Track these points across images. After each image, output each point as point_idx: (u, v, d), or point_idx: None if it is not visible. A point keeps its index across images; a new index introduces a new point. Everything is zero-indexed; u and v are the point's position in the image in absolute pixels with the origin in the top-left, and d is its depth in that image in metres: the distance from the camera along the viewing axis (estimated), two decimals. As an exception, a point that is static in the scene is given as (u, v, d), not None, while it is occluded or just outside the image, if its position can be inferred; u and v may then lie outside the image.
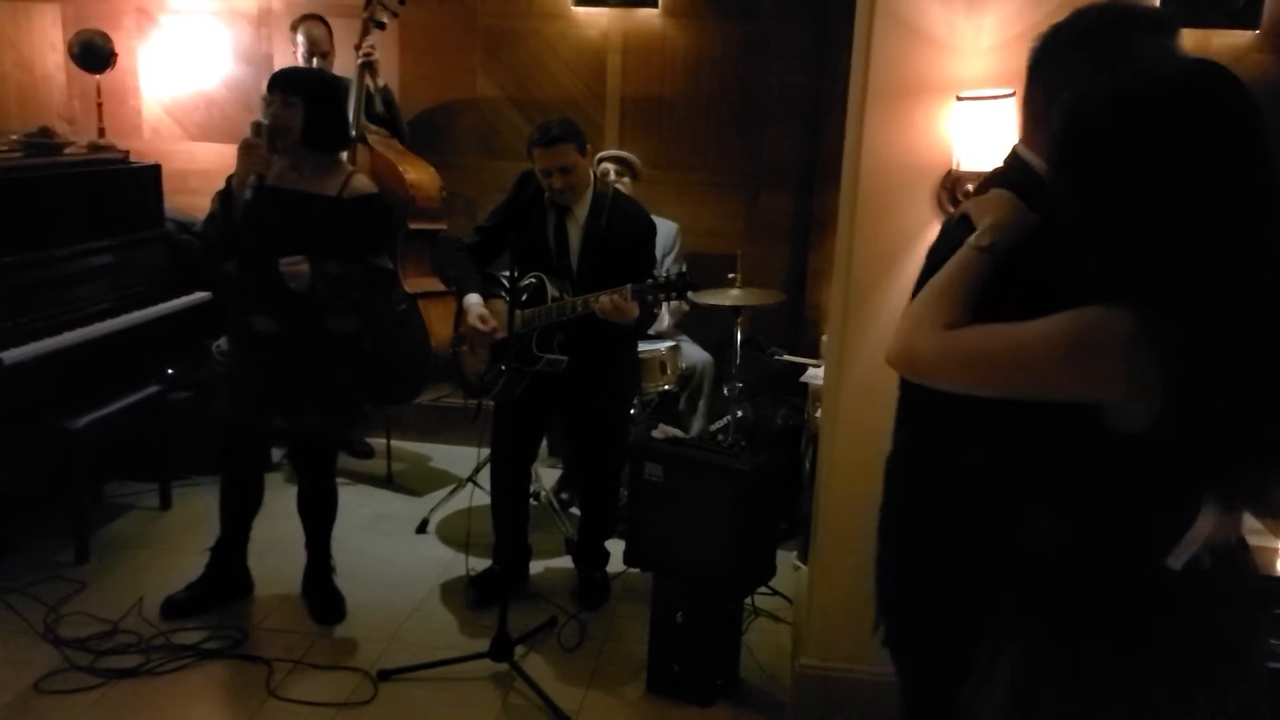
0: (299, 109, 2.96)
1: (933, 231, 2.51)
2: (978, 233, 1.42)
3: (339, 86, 3.17)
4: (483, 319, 3.26)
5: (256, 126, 2.99)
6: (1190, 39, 4.44)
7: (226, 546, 3.32)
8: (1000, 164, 1.63)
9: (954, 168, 2.42)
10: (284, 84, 3.00)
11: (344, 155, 4.14)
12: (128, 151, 4.46)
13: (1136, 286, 1.20)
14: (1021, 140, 1.60)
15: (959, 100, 2.35)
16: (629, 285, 3.06)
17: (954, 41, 2.38)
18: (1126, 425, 1.25)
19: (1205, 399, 1.18)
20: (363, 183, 3.12)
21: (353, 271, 3.01)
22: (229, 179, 3.02)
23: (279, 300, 2.99)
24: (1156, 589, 1.29)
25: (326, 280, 2.96)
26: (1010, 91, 2.31)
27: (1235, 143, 1.19)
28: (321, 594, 3.34)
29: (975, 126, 2.32)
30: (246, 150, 2.97)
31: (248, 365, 3.14)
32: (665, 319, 4.24)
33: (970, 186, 2.47)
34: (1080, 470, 1.32)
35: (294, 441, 3.35)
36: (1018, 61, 2.35)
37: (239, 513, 3.31)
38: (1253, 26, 4.13)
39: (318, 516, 3.33)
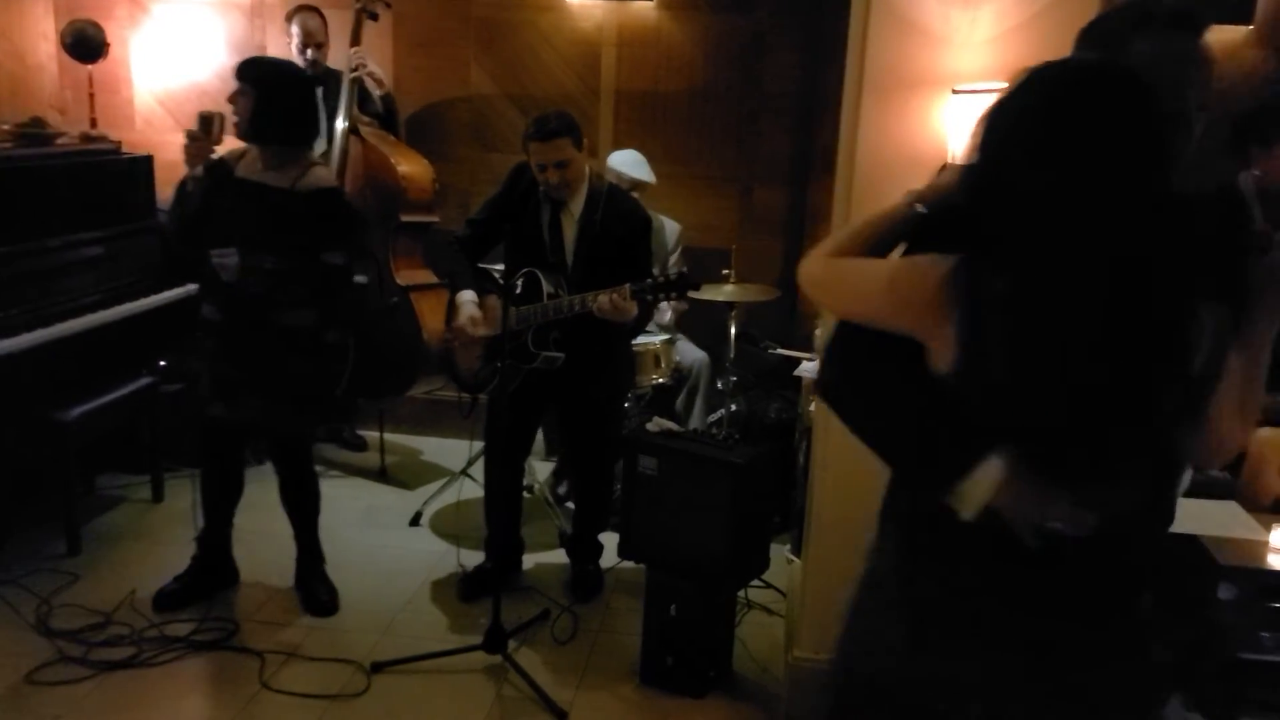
0: (249, 97, 2.92)
1: (928, 225, 2.52)
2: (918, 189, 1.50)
3: (302, 81, 3.11)
4: (474, 320, 3.25)
5: (204, 118, 2.99)
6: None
7: (210, 536, 3.32)
8: None
9: (949, 161, 2.42)
10: (240, 71, 2.98)
11: (321, 149, 4.16)
12: (120, 142, 4.44)
13: (970, 242, 1.30)
14: None
15: (954, 93, 2.36)
16: (628, 285, 3.05)
17: (949, 34, 2.39)
18: (939, 366, 1.33)
19: (995, 358, 1.26)
20: (320, 176, 3.06)
21: (293, 267, 2.97)
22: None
23: (223, 290, 2.99)
24: (939, 534, 1.37)
25: (261, 275, 2.93)
26: (1006, 84, 2.31)
27: (1094, 141, 1.23)
28: (314, 586, 3.34)
29: (971, 119, 2.32)
30: (190, 142, 2.99)
31: (201, 353, 3.14)
32: (668, 312, 4.24)
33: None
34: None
35: (257, 433, 3.34)
36: (1013, 54, 2.38)
37: (219, 502, 3.30)
38: (1245, 21, 4.13)
39: (299, 507, 3.32)
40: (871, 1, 2.42)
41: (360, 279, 4.16)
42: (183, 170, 3.04)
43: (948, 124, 2.41)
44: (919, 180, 2.47)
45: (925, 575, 1.43)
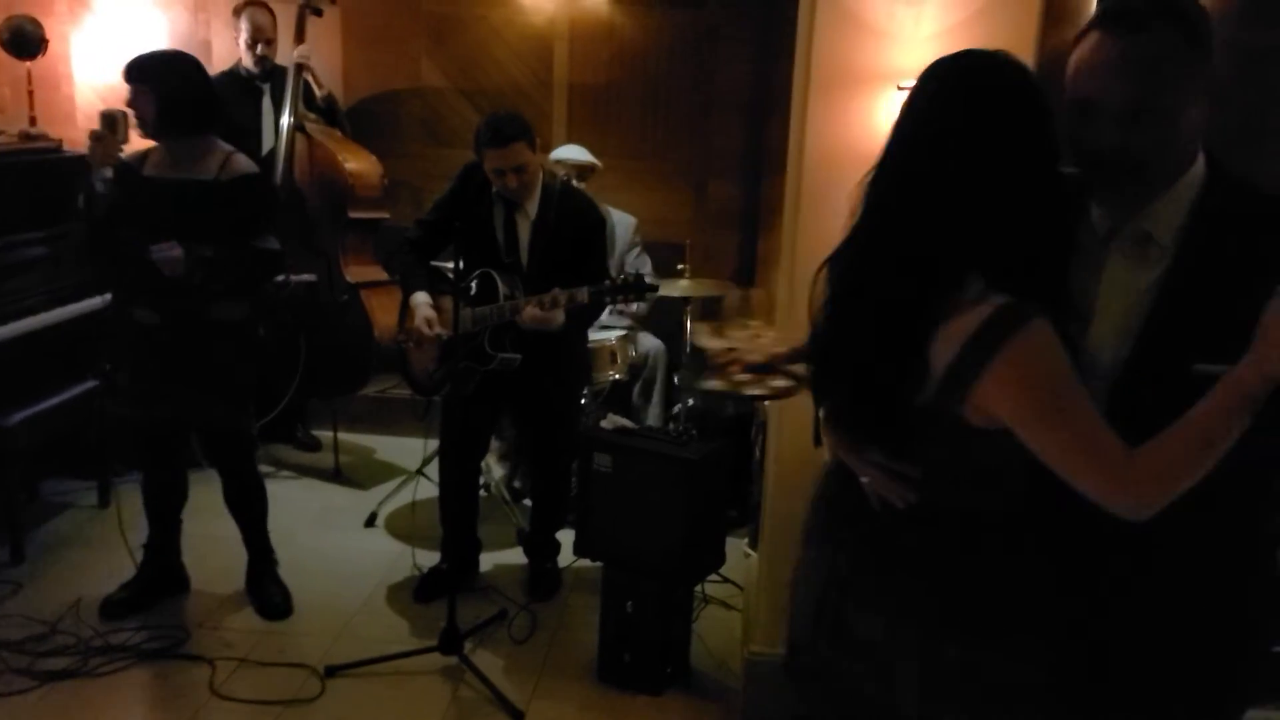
0: (149, 96, 2.87)
1: (876, 220, 2.53)
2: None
3: (195, 66, 3.03)
4: (429, 322, 3.22)
5: (108, 117, 2.95)
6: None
7: (157, 542, 3.27)
8: None
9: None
10: (132, 73, 2.91)
11: (269, 146, 4.11)
12: (61, 140, 4.34)
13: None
14: None
15: (900, 89, 2.36)
16: (586, 288, 3.03)
17: (895, 31, 2.39)
18: None
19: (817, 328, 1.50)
20: (242, 163, 3.01)
21: (232, 255, 2.94)
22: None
23: (158, 290, 2.92)
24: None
25: (203, 265, 2.88)
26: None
27: (981, 128, 1.31)
28: (266, 588, 3.30)
29: (916, 115, 2.33)
30: (95, 143, 2.94)
31: (133, 357, 3.07)
32: (640, 305, 4.23)
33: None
34: None
35: (194, 433, 3.29)
36: (957, 49, 2.39)
37: (164, 508, 3.25)
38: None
39: (246, 509, 3.28)
40: (818, -3, 2.42)
41: (309, 277, 4.11)
42: (89, 172, 2.97)
43: (893, 119, 2.41)
44: (865, 174, 2.50)
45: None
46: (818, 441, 1.56)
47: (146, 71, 2.89)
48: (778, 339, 1.82)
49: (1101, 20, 1.31)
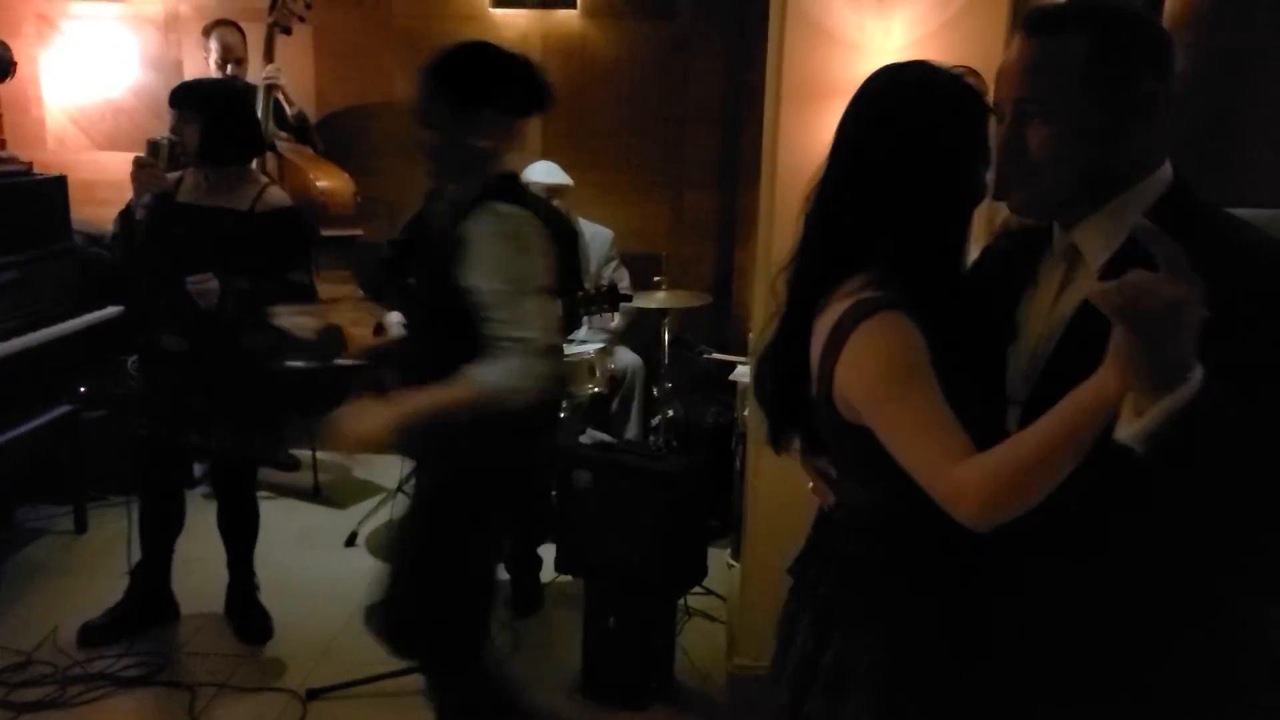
0: (197, 125, 2.89)
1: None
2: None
3: (243, 97, 3.11)
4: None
5: (153, 145, 2.96)
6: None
7: (148, 569, 3.23)
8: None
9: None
10: (182, 99, 2.93)
11: (254, 163, 4.09)
12: (31, 163, 4.29)
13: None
14: None
15: (870, 101, 2.37)
16: (559, 300, 3.02)
17: (863, 42, 2.41)
18: None
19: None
20: (277, 196, 3.05)
21: (266, 288, 2.94)
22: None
23: (189, 318, 2.92)
24: None
25: (237, 297, 2.90)
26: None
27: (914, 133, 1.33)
28: (247, 613, 3.27)
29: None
30: (139, 169, 2.94)
31: (158, 384, 3.06)
32: (617, 318, 4.23)
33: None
34: None
35: (214, 459, 3.28)
36: (926, 61, 2.41)
37: (161, 534, 3.22)
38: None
39: (239, 534, 3.26)
40: (788, 10, 2.44)
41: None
42: (129, 198, 2.98)
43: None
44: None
45: None
46: (775, 447, 1.56)
47: (195, 98, 2.92)
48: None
49: (1022, 24, 1.28)
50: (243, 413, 3.04)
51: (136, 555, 3.24)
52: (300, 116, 4.35)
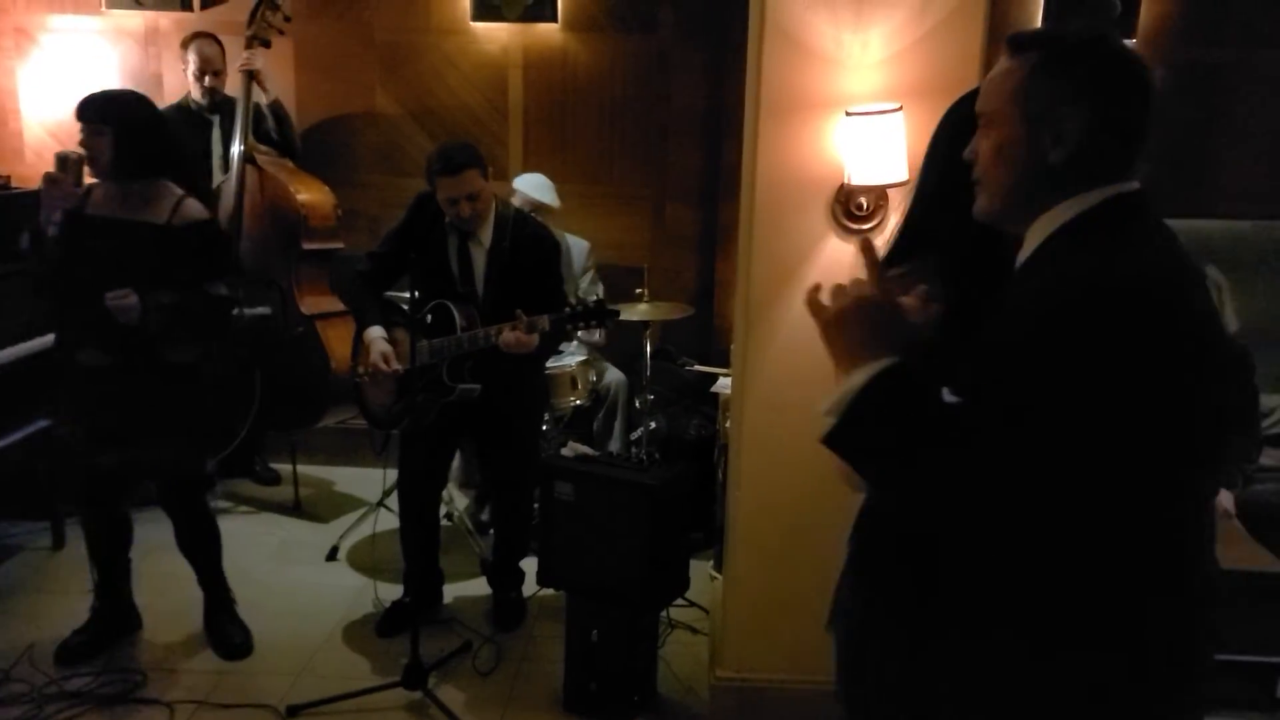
0: (108, 136, 2.80)
1: (828, 244, 2.57)
2: None
3: (153, 108, 2.99)
4: (385, 358, 3.19)
5: (62, 159, 2.85)
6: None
7: (107, 585, 3.20)
8: None
9: (846, 182, 2.46)
10: (90, 112, 2.83)
11: (219, 179, 4.08)
12: (9, 176, 4.28)
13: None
14: None
15: (848, 115, 2.39)
16: (547, 316, 3.03)
17: (842, 58, 2.43)
18: None
19: None
20: (195, 208, 2.96)
21: (188, 301, 2.89)
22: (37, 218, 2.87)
23: (110, 333, 2.84)
24: None
25: (159, 311, 2.83)
26: (898, 106, 2.37)
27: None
28: (225, 627, 3.24)
29: (864, 141, 2.36)
30: (50, 185, 2.84)
31: (77, 400, 2.99)
32: (600, 333, 4.22)
33: (863, 199, 2.52)
34: None
35: (145, 477, 3.19)
36: (904, 76, 2.43)
37: (110, 551, 3.18)
38: (1128, 35, 4.31)
39: (200, 550, 3.22)
40: (766, 25, 2.45)
41: (263, 310, 4.08)
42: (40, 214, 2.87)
43: (842, 145, 2.44)
44: (819, 201, 2.54)
45: None
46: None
47: (105, 110, 2.83)
48: None
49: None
50: (164, 427, 2.96)
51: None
52: (276, 106, 4.30)
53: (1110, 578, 1.22)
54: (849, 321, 1.26)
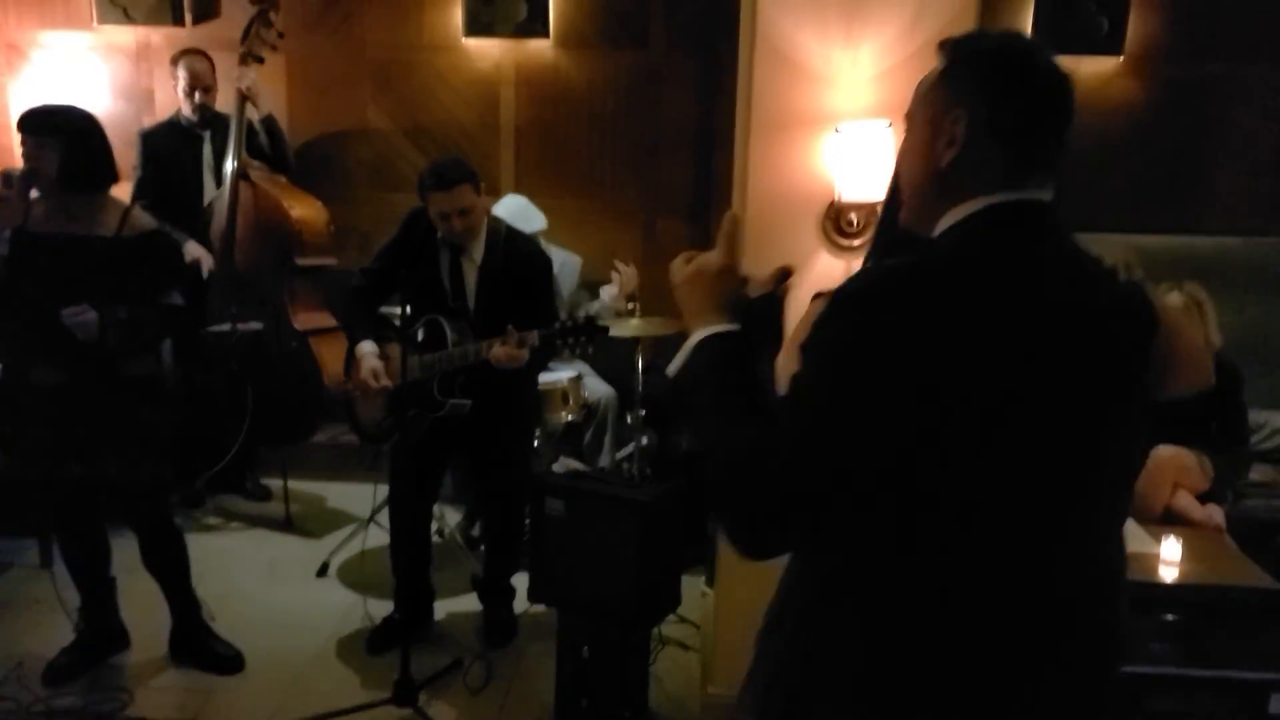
0: (54, 149, 2.77)
1: (820, 259, 2.58)
2: None
3: (95, 120, 2.94)
4: (375, 374, 3.19)
5: (5, 176, 2.78)
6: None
7: (91, 604, 3.17)
8: None
9: (836, 198, 2.47)
10: (34, 125, 2.79)
11: (212, 195, 4.06)
12: (-2, 192, 4.26)
13: None
14: None
15: (838, 131, 2.41)
16: (536, 332, 3.03)
17: (831, 74, 2.44)
18: None
19: None
20: (143, 219, 2.93)
21: (144, 314, 2.87)
22: None
23: (64, 350, 2.80)
24: None
25: (116, 326, 2.79)
26: (888, 123, 2.38)
27: None
28: (208, 644, 3.21)
29: (854, 157, 2.38)
30: None
31: (29, 419, 2.91)
32: (613, 289, 4.21)
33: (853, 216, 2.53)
34: None
35: (109, 491, 3.09)
36: (893, 93, 2.45)
37: (90, 570, 3.15)
38: (1116, 53, 4.34)
39: (167, 565, 3.16)
40: (756, 41, 2.47)
41: (255, 325, 4.07)
42: None
43: (832, 160, 2.46)
44: (809, 216, 2.55)
45: None
46: None
47: (52, 123, 2.79)
48: None
49: None
50: (131, 440, 2.93)
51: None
52: (269, 122, 4.31)
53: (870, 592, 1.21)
54: (693, 284, 1.36)
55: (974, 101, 1.22)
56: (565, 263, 4.32)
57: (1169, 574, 2.57)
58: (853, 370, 1.13)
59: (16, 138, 2.70)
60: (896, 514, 1.16)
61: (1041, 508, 1.19)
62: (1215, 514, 3.13)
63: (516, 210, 4.20)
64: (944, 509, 1.16)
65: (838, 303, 1.16)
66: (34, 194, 2.86)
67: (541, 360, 3.26)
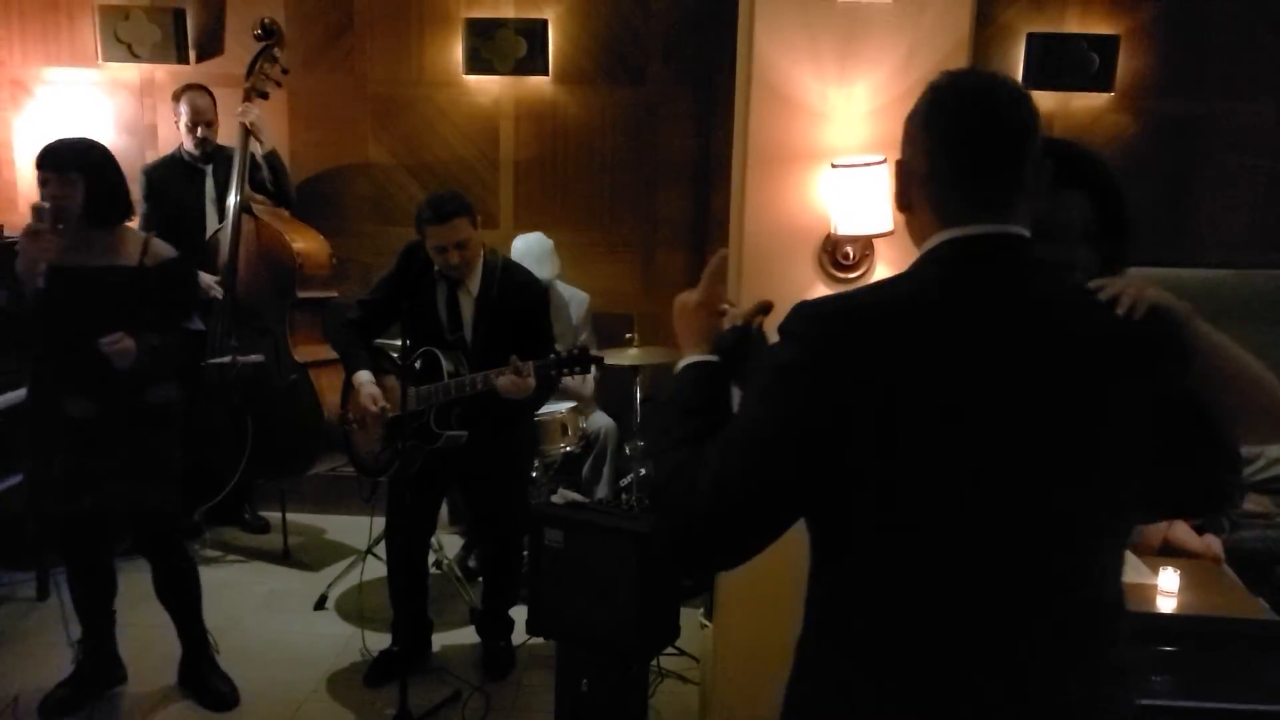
0: (79, 185, 2.80)
1: (816, 292, 2.60)
2: None
3: (111, 154, 2.96)
4: (374, 399, 3.21)
5: (38, 211, 2.78)
6: (1051, 100, 4.65)
7: (91, 638, 3.16)
8: None
9: (832, 232, 2.50)
10: (59, 161, 2.81)
11: (215, 227, 4.11)
12: (2, 226, 4.31)
13: None
14: None
15: (833, 167, 2.44)
16: (530, 362, 3.06)
17: (827, 111, 2.48)
18: None
19: None
20: (162, 247, 2.97)
21: (174, 340, 2.91)
22: (14, 271, 2.81)
23: (98, 380, 2.82)
24: None
25: (152, 353, 2.84)
26: (882, 159, 2.42)
27: None
28: (208, 679, 3.20)
29: (849, 192, 2.41)
30: (33, 238, 2.77)
31: (58, 451, 2.92)
32: (590, 385, 4.24)
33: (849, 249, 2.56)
34: None
35: (125, 521, 3.13)
36: (888, 129, 2.48)
37: (95, 602, 3.15)
38: (1107, 89, 4.40)
39: (180, 598, 3.17)
40: (753, 79, 2.51)
41: (256, 357, 4.08)
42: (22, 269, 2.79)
43: (828, 195, 2.49)
44: (805, 251, 2.58)
45: None
46: None
47: (78, 159, 2.82)
48: None
49: None
50: (142, 470, 2.94)
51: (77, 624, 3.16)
52: (273, 157, 4.35)
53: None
54: (678, 318, 1.49)
55: (923, 140, 1.26)
56: (573, 298, 4.35)
57: (1167, 605, 2.57)
58: (778, 391, 1.20)
59: (21, 173, 2.75)
60: (850, 542, 1.22)
61: (992, 539, 1.18)
62: (1214, 544, 3.13)
63: (530, 251, 4.23)
64: (887, 536, 1.19)
65: (780, 328, 1.23)
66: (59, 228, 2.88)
67: (543, 394, 3.27)
